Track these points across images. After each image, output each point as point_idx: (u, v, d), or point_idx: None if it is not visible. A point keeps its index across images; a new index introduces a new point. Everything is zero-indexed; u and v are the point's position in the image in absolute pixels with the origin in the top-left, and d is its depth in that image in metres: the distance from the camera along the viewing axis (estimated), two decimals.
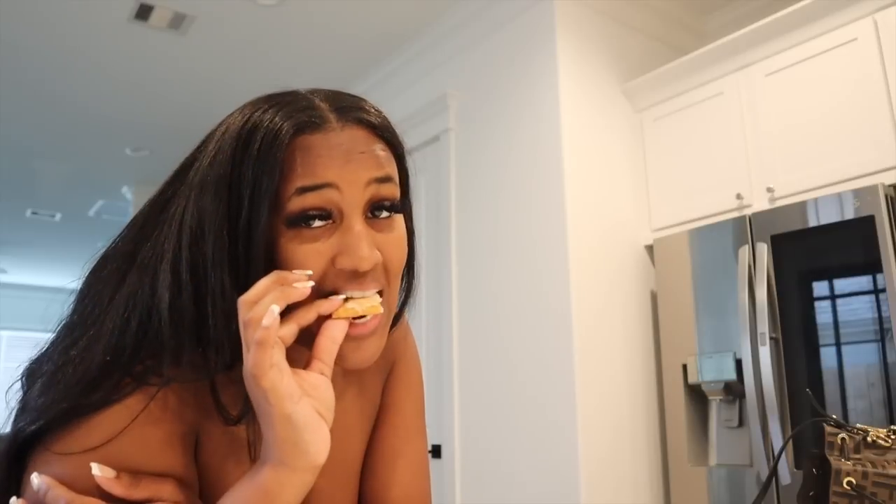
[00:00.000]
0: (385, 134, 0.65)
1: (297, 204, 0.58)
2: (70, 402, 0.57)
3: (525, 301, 2.55)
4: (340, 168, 0.60)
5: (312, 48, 3.27)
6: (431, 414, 2.79)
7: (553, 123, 2.55)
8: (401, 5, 2.93)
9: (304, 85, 0.68)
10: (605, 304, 2.50)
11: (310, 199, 0.59)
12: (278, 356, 0.53)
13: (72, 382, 0.58)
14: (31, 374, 0.62)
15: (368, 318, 0.60)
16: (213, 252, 0.59)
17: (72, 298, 0.65)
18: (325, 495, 0.68)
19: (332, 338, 0.58)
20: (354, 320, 0.60)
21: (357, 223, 0.60)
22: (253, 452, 0.63)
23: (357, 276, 0.60)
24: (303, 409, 0.54)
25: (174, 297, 0.59)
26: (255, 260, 0.59)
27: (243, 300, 0.55)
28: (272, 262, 0.60)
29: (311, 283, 0.56)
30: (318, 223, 0.59)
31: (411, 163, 0.70)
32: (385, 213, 0.63)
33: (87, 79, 3.50)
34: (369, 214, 0.62)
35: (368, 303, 0.60)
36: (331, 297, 0.58)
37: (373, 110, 0.65)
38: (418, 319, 3.01)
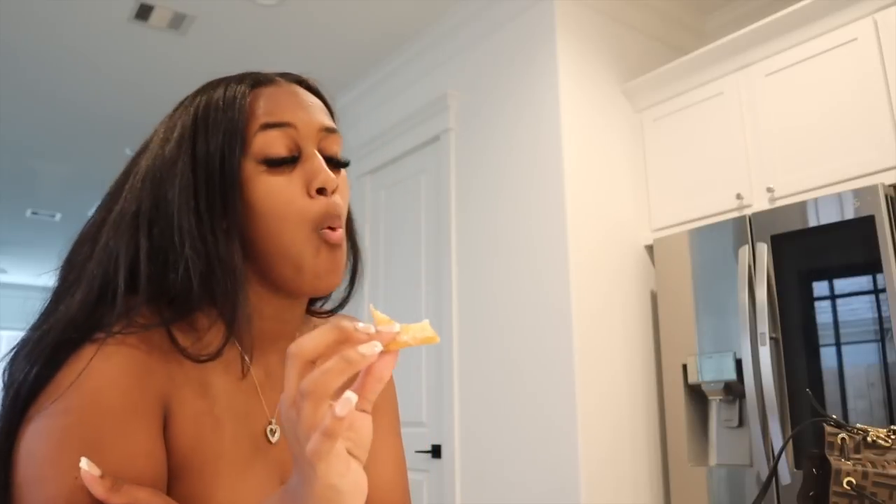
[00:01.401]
0: (324, 98, 0.76)
1: (261, 139, 0.66)
2: (56, 337, 0.60)
3: (525, 301, 2.55)
4: (297, 111, 0.69)
5: (312, 48, 3.27)
6: (431, 414, 2.80)
7: (553, 123, 2.54)
8: (401, 5, 2.93)
9: None
10: (605, 304, 2.50)
11: (272, 135, 0.66)
12: (340, 443, 0.48)
13: (58, 328, 0.61)
14: (17, 354, 0.63)
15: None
16: (178, 194, 0.64)
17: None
18: None
19: (379, 378, 0.50)
20: (330, 229, 0.66)
21: (315, 154, 0.68)
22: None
23: (331, 211, 0.66)
24: (350, 479, 0.49)
25: (135, 246, 0.64)
26: (233, 198, 0.65)
27: (298, 351, 0.47)
28: (243, 200, 0.66)
29: (379, 348, 0.47)
30: (283, 155, 0.66)
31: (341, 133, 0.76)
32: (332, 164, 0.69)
33: (87, 79, 3.50)
34: None
35: (422, 333, 0.51)
36: (382, 330, 0.49)
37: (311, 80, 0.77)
38: (418, 319, 2.99)
